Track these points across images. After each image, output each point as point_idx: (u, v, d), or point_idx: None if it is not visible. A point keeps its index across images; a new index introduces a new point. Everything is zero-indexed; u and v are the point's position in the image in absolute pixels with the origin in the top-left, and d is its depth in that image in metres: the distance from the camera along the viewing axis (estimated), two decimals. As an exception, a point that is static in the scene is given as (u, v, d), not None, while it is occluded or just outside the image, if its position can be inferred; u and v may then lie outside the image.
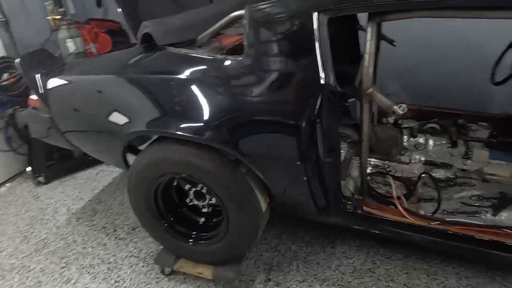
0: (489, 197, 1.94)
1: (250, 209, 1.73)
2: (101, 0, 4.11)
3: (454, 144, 2.25)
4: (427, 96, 3.28)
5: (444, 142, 2.29)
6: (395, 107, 1.49)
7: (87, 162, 3.34)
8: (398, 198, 1.88)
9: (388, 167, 2.31)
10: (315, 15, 1.48)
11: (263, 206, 1.76)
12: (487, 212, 1.84)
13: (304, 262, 2.16)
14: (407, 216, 1.70)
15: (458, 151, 2.24)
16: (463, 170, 2.20)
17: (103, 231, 2.59)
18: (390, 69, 3.20)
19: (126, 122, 1.78)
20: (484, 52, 2.89)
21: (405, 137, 2.36)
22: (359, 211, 1.75)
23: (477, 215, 1.84)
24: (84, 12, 4.28)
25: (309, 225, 2.37)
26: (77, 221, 2.72)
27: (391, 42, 2.51)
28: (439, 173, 2.20)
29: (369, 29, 1.50)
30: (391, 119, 2.74)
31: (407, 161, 2.31)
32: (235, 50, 1.93)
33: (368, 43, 1.51)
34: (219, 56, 1.70)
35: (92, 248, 2.43)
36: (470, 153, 2.20)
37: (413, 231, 1.69)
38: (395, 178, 2.23)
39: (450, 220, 1.67)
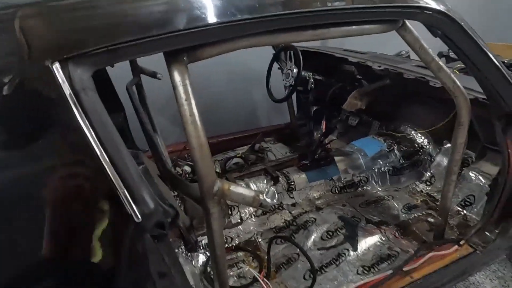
0: (335, 229, 1.73)
1: None
2: None
3: (275, 180, 1.94)
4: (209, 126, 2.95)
5: (265, 181, 1.94)
6: (261, 197, 0.89)
7: None
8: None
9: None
10: (56, 68, 0.62)
11: None
12: (348, 250, 1.61)
13: None
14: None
15: (282, 186, 1.95)
16: (293, 205, 1.94)
17: None
18: (155, 103, 2.61)
19: None
20: (257, 76, 2.82)
21: (226, 192, 1.83)
22: None
23: (343, 257, 1.59)
24: None
25: None
26: None
27: (154, 75, 1.89)
28: (276, 221, 1.83)
29: (177, 79, 0.79)
30: (185, 169, 2.16)
31: (239, 220, 1.81)
32: None
33: (184, 104, 0.80)
34: None
35: None
36: (292, 183, 1.96)
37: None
38: (238, 249, 1.69)
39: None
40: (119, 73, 1.71)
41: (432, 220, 1.70)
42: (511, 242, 1.59)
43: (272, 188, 0.91)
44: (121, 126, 2.11)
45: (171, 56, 0.79)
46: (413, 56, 2.83)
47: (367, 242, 1.64)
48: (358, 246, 1.63)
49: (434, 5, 1.02)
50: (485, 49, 1.08)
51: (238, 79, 2.94)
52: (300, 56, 2.03)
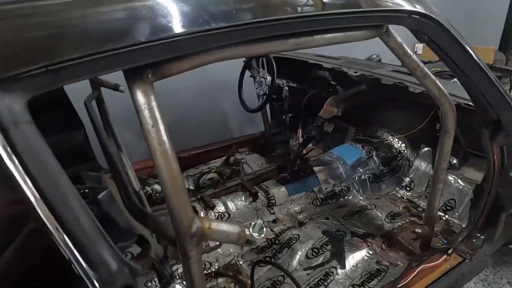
0: (321, 245, 1.64)
1: None
2: None
3: (254, 196, 1.82)
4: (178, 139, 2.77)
5: (243, 198, 1.81)
6: (247, 232, 0.77)
7: None
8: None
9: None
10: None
11: None
12: (335, 268, 1.52)
13: None
14: None
15: (261, 202, 1.83)
16: (274, 221, 1.83)
17: None
18: (118, 116, 2.40)
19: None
20: (227, 84, 2.70)
21: (201, 213, 1.69)
22: None
23: (331, 277, 1.49)
24: None
25: None
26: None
27: (115, 88, 1.74)
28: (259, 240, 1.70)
29: (140, 101, 0.66)
30: (155, 188, 2.00)
31: (217, 242, 1.67)
32: None
33: (151, 132, 0.67)
34: None
35: None
36: (272, 198, 1.85)
37: None
38: (218, 275, 1.55)
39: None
40: (78, 87, 1.53)
41: (418, 229, 1.64)
42: (496, 247, 1.57)
43: (259, 221, 0.79)
44: (81, 145, 1.92)
45: (133, 74, 0.65)
46: (384, 59, 2.84)
47: (355, 258, 1.56)
48: (346, 263, 1.54)
49: (421, 9, 0.95)
50: (473, 55, 1.02)
51: (206, 89, 2.80)
52: (274, 63, 1.93)
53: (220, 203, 1.75)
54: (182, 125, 2.79)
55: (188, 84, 2.73)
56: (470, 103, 1.32)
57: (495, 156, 1.28)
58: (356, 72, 1.87)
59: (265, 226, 1.75)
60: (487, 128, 1.20)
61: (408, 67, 1.12)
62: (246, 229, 0.77)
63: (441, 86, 1.14)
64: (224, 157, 2.30)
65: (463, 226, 1.82)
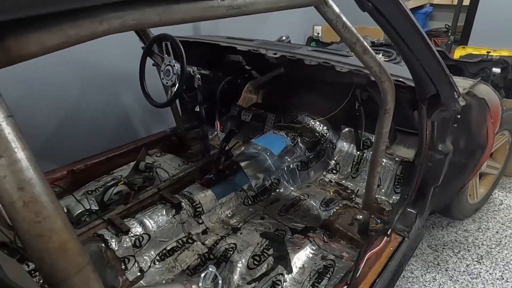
0: (261, 251, 1.45)
1: None
2: None
3: (177, 207, 1.52)
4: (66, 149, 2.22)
5: (164, 212, 1.50)
6: (195, 291, 0.52)
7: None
8: None
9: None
10: None
11: None
12: (282, 274, 1.36)
13: None
14: None
15: (186, 213, 1.54)
16: (204, 232, 1.57)
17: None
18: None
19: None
20: (122, 76, 2.24)
21: (112, 242, 1.32)
22: None
23: (279, 285, 1.33)
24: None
25: None
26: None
27: None
28: (188, 260, 1.43)
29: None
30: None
31: (139, 272, 1.34)
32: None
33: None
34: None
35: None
36: (199, 206, 1.58)
37: None
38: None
39: None
40: None
41: (358, 216, 1.57)
42: (425, 218, 1.61)
43: (211, 269, 0.54)
44: None
45: None
46: (293, 40, 2.76)
47: (300, 259, 1.42)
48: (292, 266, 1.39)
49: (369, -31, 0.79)
50: (417, 25, 0.92)
51: (97, 83, 2.31)
52: (181, 47, 1.63)
53: (135, 223, 1.40)
54: (68, 130, 2.26)
55: (71, 78, 2.21)
56: (400, 79, 1.26)
57: (427, 132, 1.26)
58: (275, 54, 1.70)
59: (195, 241, 1.49)
60: (424, 103, 1.15)
61: (347, 41, 0.97)
62: (194, 286, 0.51)
63: (381, 63, 1.04)
64: (132, 163, 1.92)
65: (390, 201, 1.85)
